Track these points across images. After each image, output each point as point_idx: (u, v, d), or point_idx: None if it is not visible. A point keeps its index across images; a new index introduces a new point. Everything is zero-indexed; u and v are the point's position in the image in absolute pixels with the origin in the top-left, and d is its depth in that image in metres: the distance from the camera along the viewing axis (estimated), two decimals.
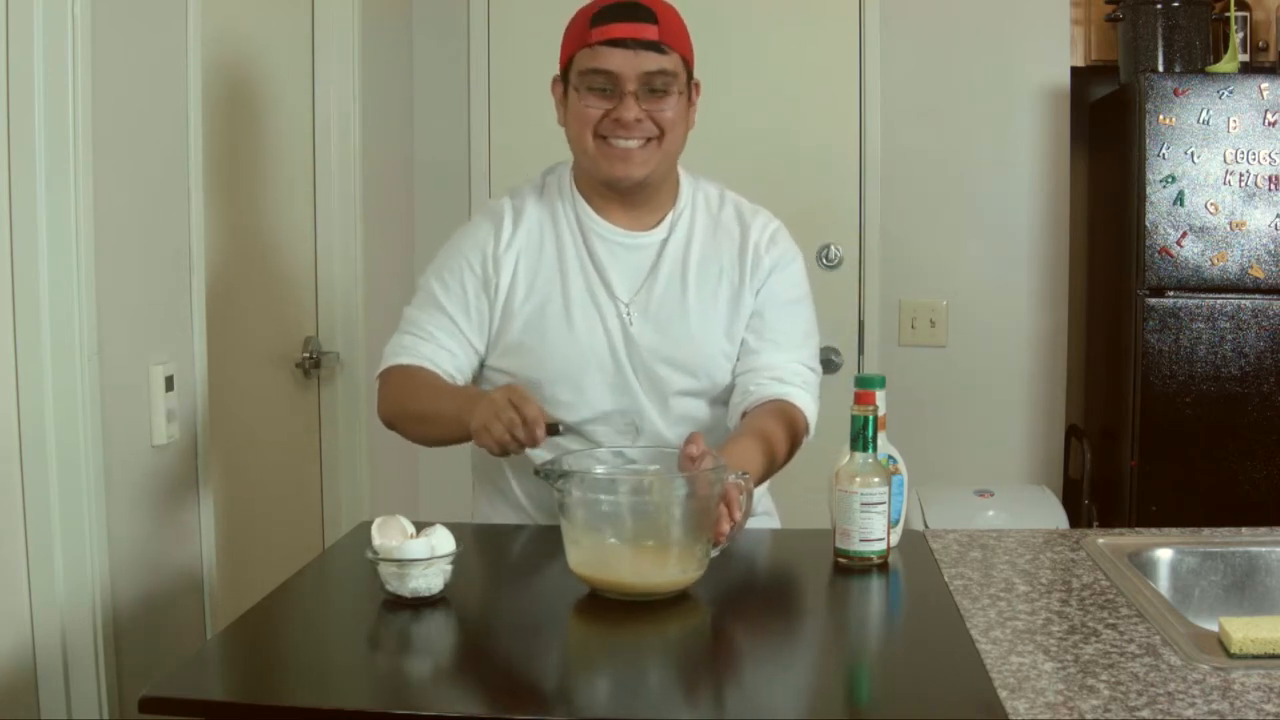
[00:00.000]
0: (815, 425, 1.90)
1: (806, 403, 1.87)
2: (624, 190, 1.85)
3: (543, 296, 1.85)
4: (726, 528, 1.56)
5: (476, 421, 1.64)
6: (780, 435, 1.79)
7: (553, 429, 1.65)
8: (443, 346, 1.86)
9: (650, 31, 1.75)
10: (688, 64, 1.82)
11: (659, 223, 1.89)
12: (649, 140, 1.80)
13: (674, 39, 1.78)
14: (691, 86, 1.84)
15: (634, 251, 1.87)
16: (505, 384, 1.75)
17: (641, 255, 1.88)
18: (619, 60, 1.75)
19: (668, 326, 1.85)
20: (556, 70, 1.86)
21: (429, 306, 1.88)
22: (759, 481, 1.75)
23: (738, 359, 1.89)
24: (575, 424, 1.82)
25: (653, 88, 1.77)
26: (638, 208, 1.88)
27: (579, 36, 1.79)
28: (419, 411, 1.83)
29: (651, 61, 1.76)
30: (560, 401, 1.82)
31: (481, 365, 1.91)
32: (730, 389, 1.89)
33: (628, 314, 1.85)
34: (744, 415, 1.84)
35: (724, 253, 1.90)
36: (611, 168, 1.81)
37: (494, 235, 1.88)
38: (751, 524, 1.72)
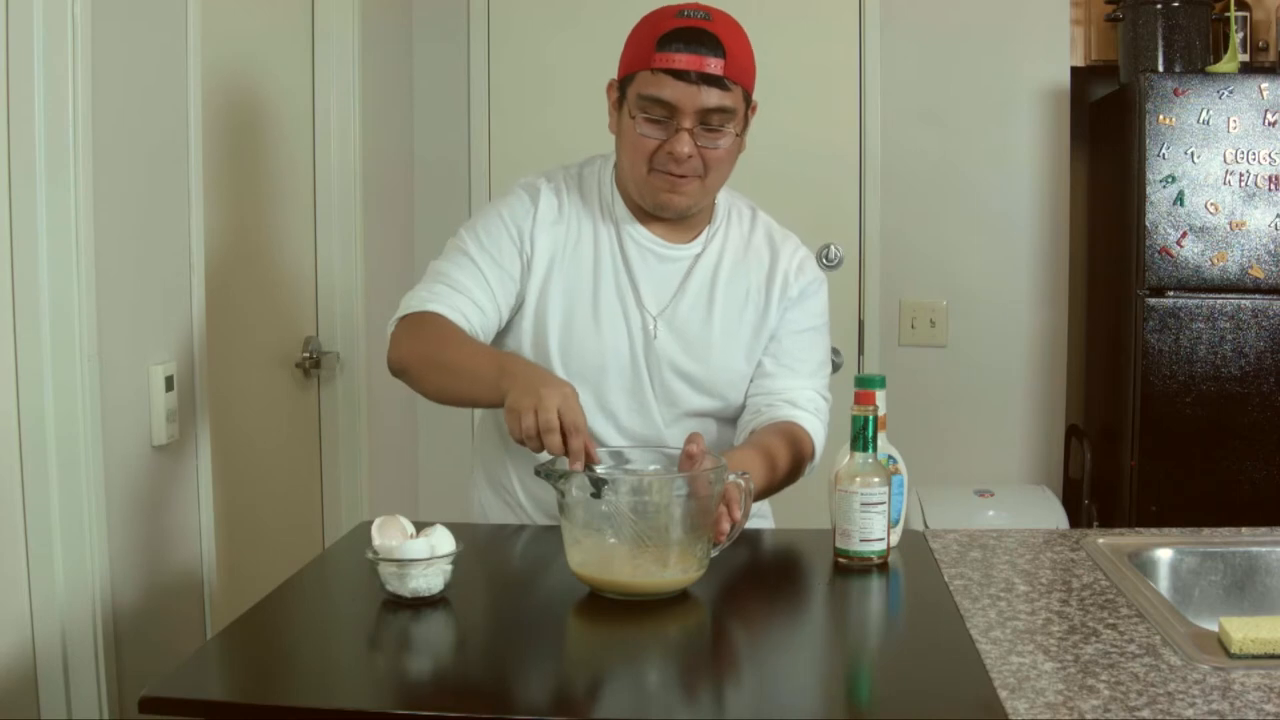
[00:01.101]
0: (821, 452, 1.89)
1: (816, 428, 1.87)
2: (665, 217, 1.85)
3: (572, 294, 1.83)
4: (727, 527, 1.57)
5: (514, 399, 1.53)
6: (783, 453, 1.78)
7: (589, 470, 1.51)
8: (475, 302, 1.78)
9: (715, 65, 1.70)
10: (749, 95, 1.78)
11: (695, 237, 1.88)
12: (691, 177, 1.77)
13: (739, 73, 1.73)
14: (749, 112, 1.80)
15: (667, 263, 1.86)
16: (566, 382, 1.59)
17: (674, 268, 1.86)
18: (679, 92, 1.71)
19: (691, 343, 1.84)
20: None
21: (461, 259, 1.81)
22: (757, 497, 1.73)
23: (752, 380, 1.89)
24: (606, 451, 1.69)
25: (708, 124, 1.73)
26: (677, 222, 1.86)
27: (643, 55, 1.73)
28: (448, 361, 1.70)
29: (712, 98, 1.71)
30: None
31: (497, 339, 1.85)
32: (741, 409, 1.90)
33: (654, 325, 1.84)
34: (751, 434, 1.83)
35: (752, 275, 1.89)
36: (657, 198, 1.79)
37: (532, 212, 1.84)
38: (747, 525, 1.72)
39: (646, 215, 1.85)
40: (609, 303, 1.83)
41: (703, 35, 1.70)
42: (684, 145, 1.73)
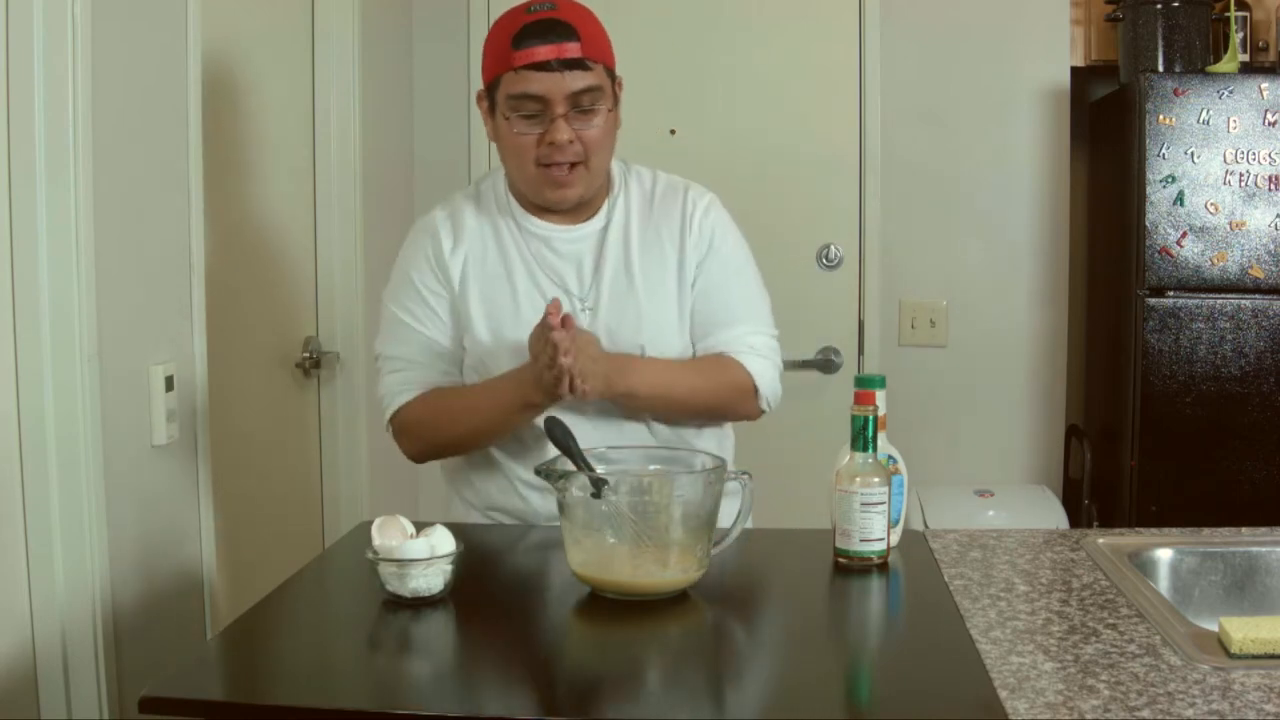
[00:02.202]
0: (775, 392, 1.93)
1: (755, 365, 1.90)
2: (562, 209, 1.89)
3: (493, 303, 1.88)
4: (564, 360, 1.66)
5: (538, 396, 1.75)
6: (704, 366, 1.87)
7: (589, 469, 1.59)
8: (433, 369, 1.90)
9: (573, 49, 1.75)
10: (611, 71, 1.84)
11: (595, 214, 1.92)
12: (575, 165, 1.81)
13: (596, 51, 1.79)
14: (615, 88, 1.86)
15: (576, 243, 1.90)
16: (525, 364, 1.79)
17: (584, 246, 1.90)
18: (546, 83, 1.76)
19: (622, 311, 1.88)
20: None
21: (400, 334, 1.91)
22: (659, 394, 1.84)
23: (694, 340, 1.92)
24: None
25: (581, 107, 1.79)
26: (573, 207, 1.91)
27: (503, 58, 1.78)
28: (469, 430, 1.88)
29: (578, 80, 1.77)
30: None
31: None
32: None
33: (584, 307, 1.87)
34: None
35: (663, 226, 1.92)
36: (550, 195, 1.84)
37: (433, 246, 1.90)
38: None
39: (544, 209, 1.89)
40: (532, 300, 1.86)
41: (554, 25, 1.76)
42: (562, 133, 1.78)
